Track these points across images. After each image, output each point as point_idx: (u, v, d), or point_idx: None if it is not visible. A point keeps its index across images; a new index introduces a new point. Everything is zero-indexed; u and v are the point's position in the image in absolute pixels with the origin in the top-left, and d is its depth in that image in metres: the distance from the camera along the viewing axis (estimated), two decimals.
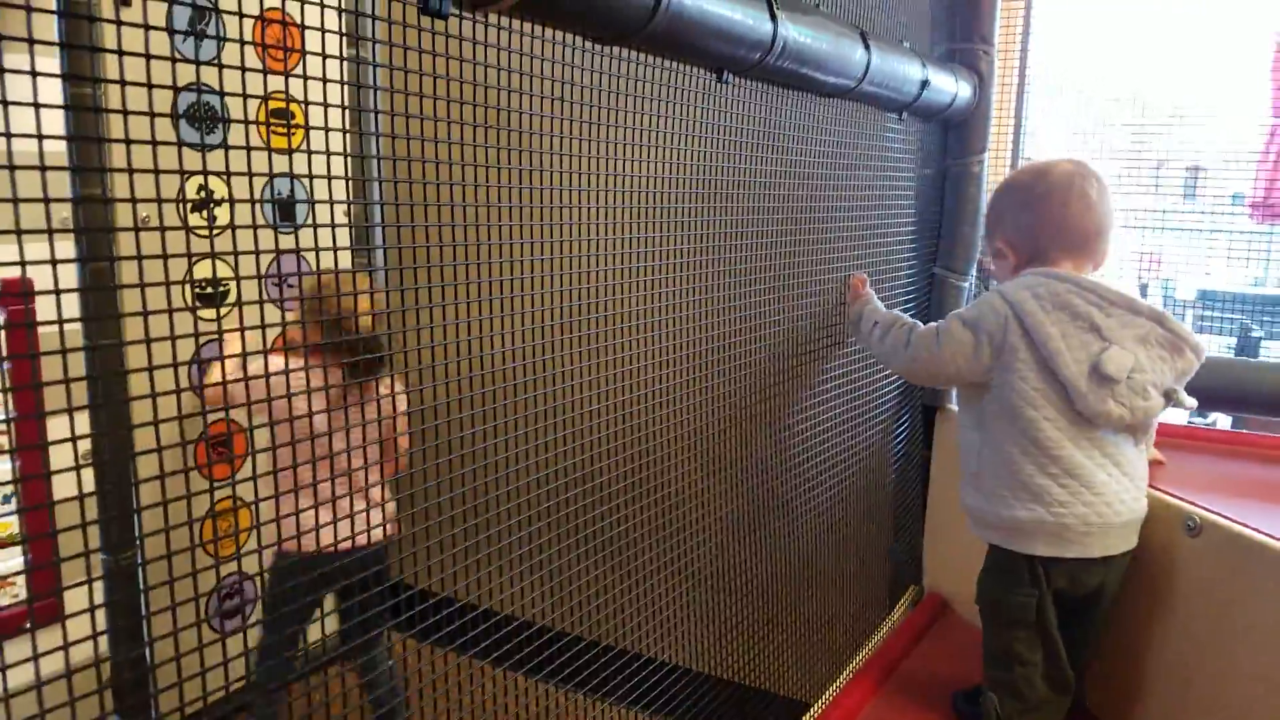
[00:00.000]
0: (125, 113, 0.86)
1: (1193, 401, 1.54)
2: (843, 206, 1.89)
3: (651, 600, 1.67)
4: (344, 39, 1.16)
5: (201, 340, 1.16)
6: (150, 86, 0.88)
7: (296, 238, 2.78)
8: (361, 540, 1.80)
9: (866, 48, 1.65)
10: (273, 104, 2.74)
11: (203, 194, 2.60)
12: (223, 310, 2.67)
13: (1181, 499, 1.64)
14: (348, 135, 1.26)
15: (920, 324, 1.72)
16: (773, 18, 1.42)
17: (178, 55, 2.09)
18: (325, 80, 1.04)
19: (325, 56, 1.01)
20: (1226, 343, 3.83)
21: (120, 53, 0.85)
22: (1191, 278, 4.00)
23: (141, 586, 1.06)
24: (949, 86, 1.96)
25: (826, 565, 2.01)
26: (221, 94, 1.02)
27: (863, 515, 2.10)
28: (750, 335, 1.75)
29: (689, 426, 1.67)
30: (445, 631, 1.31)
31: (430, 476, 1.24)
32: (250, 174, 1.02)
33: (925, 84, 1.84)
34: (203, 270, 2.64)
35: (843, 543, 2.05)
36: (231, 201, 1.00)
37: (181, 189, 2.15)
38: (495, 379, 1.31)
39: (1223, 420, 3.51)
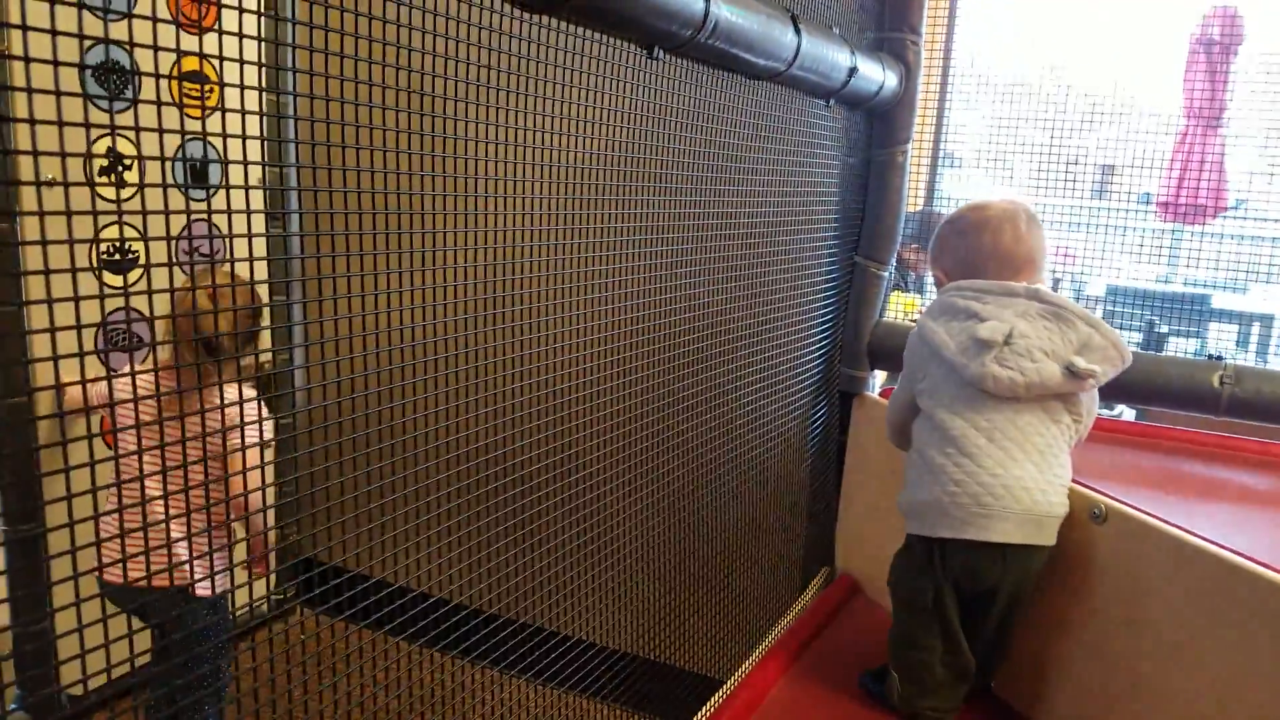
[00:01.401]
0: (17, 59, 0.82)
1: (1091, 367, 1.58)
2: (768, 190, 1.89)
3: (566, 578, 1.66)
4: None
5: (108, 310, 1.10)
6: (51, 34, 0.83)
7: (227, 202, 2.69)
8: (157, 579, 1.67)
9: (797, 31, 1.65)
10: (186, 65, 2.65)
11: (111, 155, 2.51)
12: (131, 276, 2.59)
13: (1088, 487, 1.69)
14: (264, 96, 1.22)
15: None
16: None
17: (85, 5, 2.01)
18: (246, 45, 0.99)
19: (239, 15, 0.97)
20: (1135, 338, 3.95)
21: None
22: (1103, 274, 4.11)
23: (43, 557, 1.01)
24: (876, 75, 1.98)
25: (743, 546, 2.02)
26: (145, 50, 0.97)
27: (779, 497, 2.12)
28: (671, 316, 1.74)
29: (608, 406, 1.66)
30: (339, 604, 1.28)
31: (338, 448, 1.21)
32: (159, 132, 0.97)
33: (853, 71, 1.85)
34: (109, 236, 2.54)
35: (759, 524, 2.06)
36: (144, 159, 0.95)
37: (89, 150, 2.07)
38: (411, 353, 1.27)
39: (1127, 413, 3.63)
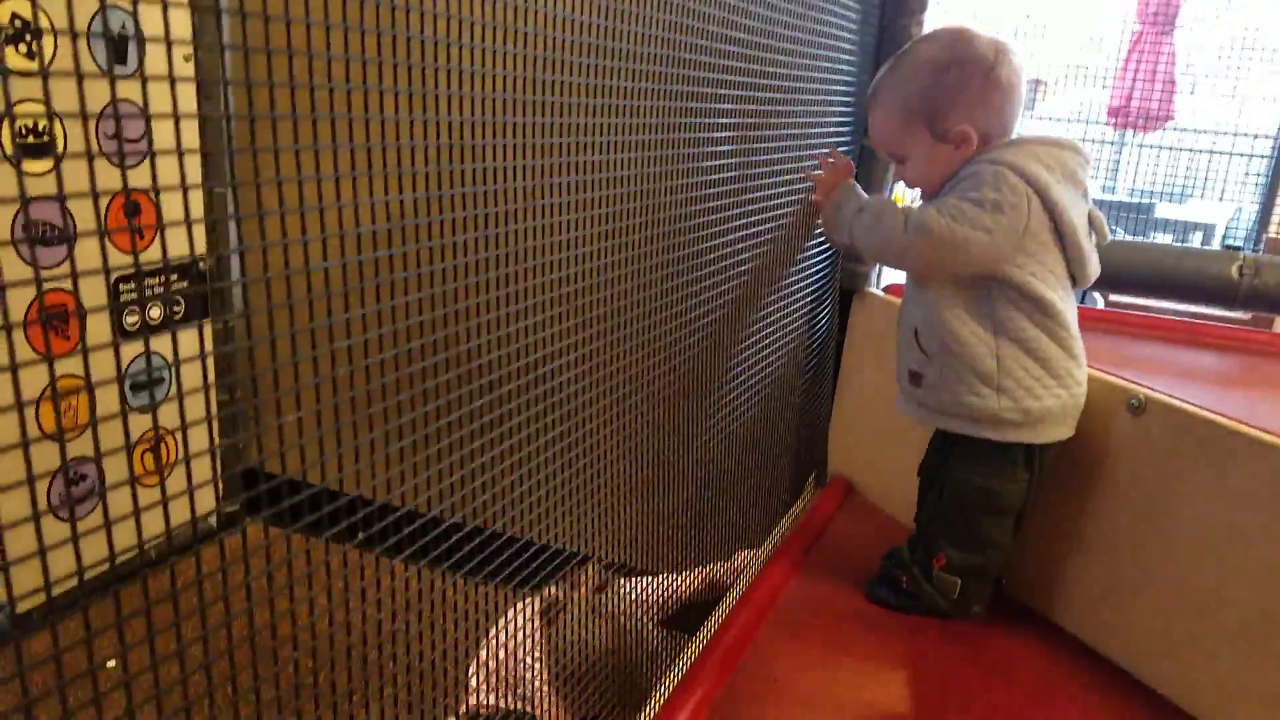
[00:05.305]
0: None
1: None
2: (777, 74, 1.72)
3: (545, 486, 1.50)
4: None
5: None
6: None
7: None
8: None
9: None
10: None
11: (18, 23, 2.21)
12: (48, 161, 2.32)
13: (1124, 378, 1.62)
14: None
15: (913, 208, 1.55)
16: None
17: None
18: None
19: None
20: None
21: None
22: None
23: None
24: None
25: (740, 450, 1.90)
26: None
27: (779, 400, 2.01)
28: (669, 211, 1.56)
29: (595, 307, 1.47)
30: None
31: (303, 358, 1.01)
32: None
33: None
34: (23, 118, 2.27)
35: (759, 427, 1.95)
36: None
37: None
38: (369, 239, 1.06)
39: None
